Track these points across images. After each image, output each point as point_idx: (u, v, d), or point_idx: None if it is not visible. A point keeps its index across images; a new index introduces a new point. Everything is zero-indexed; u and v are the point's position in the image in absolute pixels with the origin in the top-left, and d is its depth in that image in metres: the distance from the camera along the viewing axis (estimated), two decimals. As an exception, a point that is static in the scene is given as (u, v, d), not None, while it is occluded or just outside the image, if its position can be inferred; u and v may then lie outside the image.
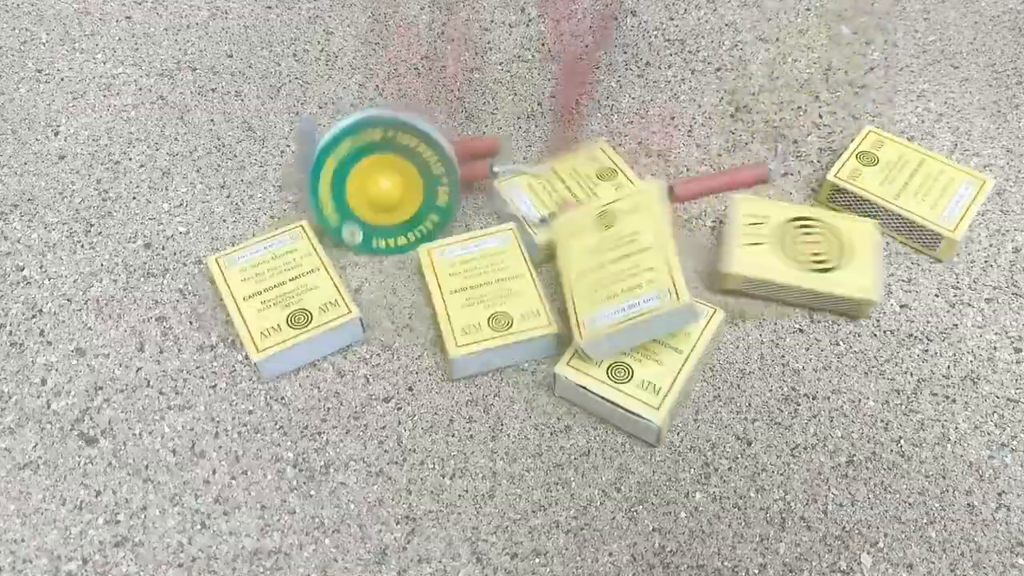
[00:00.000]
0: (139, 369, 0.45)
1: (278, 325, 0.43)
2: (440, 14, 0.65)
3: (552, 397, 0.44)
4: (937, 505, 0.40)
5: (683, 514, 0.39)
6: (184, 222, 0.52)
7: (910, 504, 0.40)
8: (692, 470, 0.41)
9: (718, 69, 0.61)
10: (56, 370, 0.45)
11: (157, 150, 0.56)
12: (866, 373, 0.44)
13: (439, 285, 0.45)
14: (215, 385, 0.44)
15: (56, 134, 0.57)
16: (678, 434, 0.42)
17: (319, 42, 0.64)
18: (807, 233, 0.47)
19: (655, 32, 0.64)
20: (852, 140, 0.54)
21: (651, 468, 0.41)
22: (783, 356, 0.45)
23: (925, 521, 0.39)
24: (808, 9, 0.65)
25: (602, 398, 0.40)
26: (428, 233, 0.49)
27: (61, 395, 0.44)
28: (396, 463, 0.41)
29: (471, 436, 0.42)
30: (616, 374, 0.41)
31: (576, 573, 0.38)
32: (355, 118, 0.46)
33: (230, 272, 0.46)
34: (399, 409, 0.43)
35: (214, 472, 0.41)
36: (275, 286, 0.45)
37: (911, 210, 0.48)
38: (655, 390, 0.40)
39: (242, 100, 0.59)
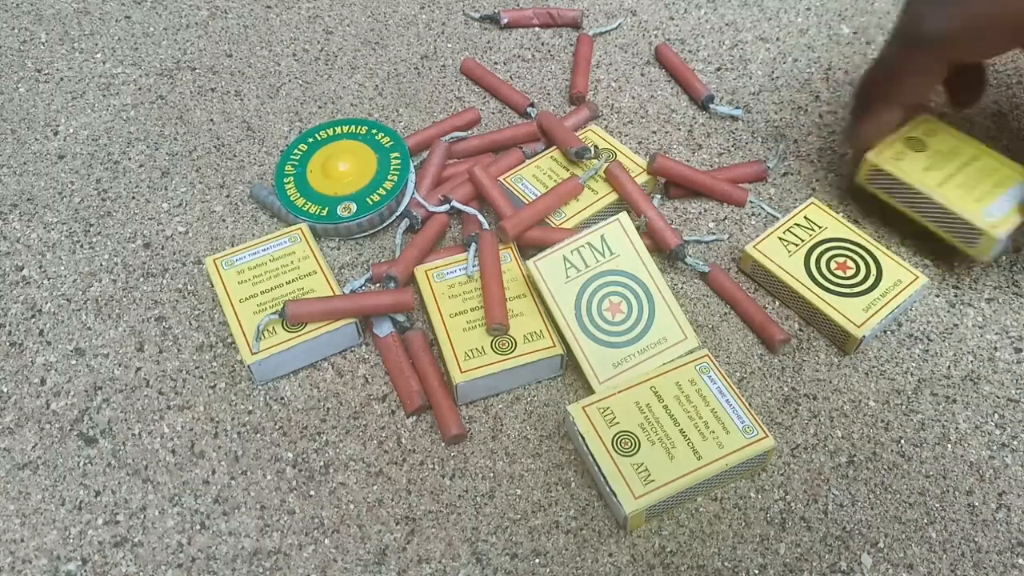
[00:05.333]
0: (138, 369, 0.45)
1: (273, 328, 0.43)
2: (439, 13, 0.65)
3: (552, 397, 0.44)
4: (937, 505, 0.40)
5: (683, 514, 0.39)
6: (184, 222, 0.52)
7: (910, 504, 0.40)
8: (692, 470, 0.41)
9: (718, 68, 0.61)
10: (55, 370, 0.45)
11: (156, 150, 0.56)
12: (867, 373, 0.44)
13: (439, 308, 0.44)
14: (215, 385, 0.44)
15: (55, 134, 0.57)
16: (678, 434, 0.42)
17: (319, 42, 0.63)
18: (842, 255, 0.46)
19: (655, 31, 0.64)
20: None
21: (651, 468, 0.41)
22: (783, 355, 0.45)
23: (925, 521, 0.39)
24: (808, 9, 0.65)
25: (592, 456, 0.39)
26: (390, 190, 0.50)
27: (60, 395, 0.44)
28: (396, 463, 0.41)
29: (471, 436, 0.42)
30: (621, 444, 0.39)
31: (576, 573, 0.38)
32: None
33: (227, 274, 0.46)
34: (399, 409, 0.43)
35: (213, 472, 0.41)
36: (272, 288, 0.45)
37: (953, 201, 0.45)
38: (646, 480, 0.38)
39: (242, 100, 0.59)
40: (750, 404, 0.43)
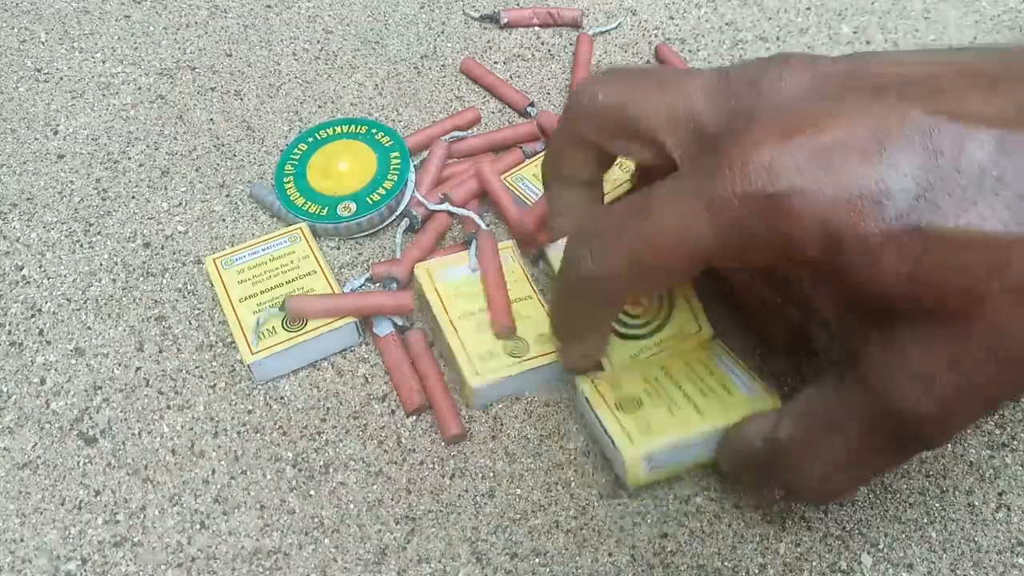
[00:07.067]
0: (138, 369, 0.45)
1: (273, 328, 0.43)
2: (439, 12, 0.65)
3: (552, 397, 0.44)
4: (937, 505, 0.40)
5: (683, 514, 0.39)
6: (183, 221, 0.52)
7: (910, 504, 0.40)
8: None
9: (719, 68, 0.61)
10: (55, 370, 0.45)
11: (156, 149, 0.56)
12: (866, 373, 0.44)
13: (446, 310, 0.44)
14: (214, 385, 0.44)
15: (55, 133, 0.57)
16: (678, 434, 0.42)
17: (319, 41, 0.63)
18: None
19: (655, 31, 0.64)
20: None
21: (651, 468, 0.41)
22: (783, 355, 0.45)
23: (925, 521, 0.39)
24: (808, 8, 0.65)
25: (595, 414, 0.38)
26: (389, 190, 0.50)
27: (60, 395, 0.44)
28: (396, 463, 0.41)
29: (471, 436, 0.42)
30: (625, 404, 0.39)
31: (576, 573, 0.38)
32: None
33: (227, 273, 0.46)
34: (399, 408, 0.43)
35: (213, 472, 0.41)
36: (272, 288, 0.45)
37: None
38: (646, 430, 0.37)
39: (241, 99, 0.59)
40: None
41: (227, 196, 0.53)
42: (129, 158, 0.56)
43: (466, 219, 0.49)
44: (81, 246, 0.51)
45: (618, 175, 0.51)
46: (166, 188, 0.54)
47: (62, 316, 0.47)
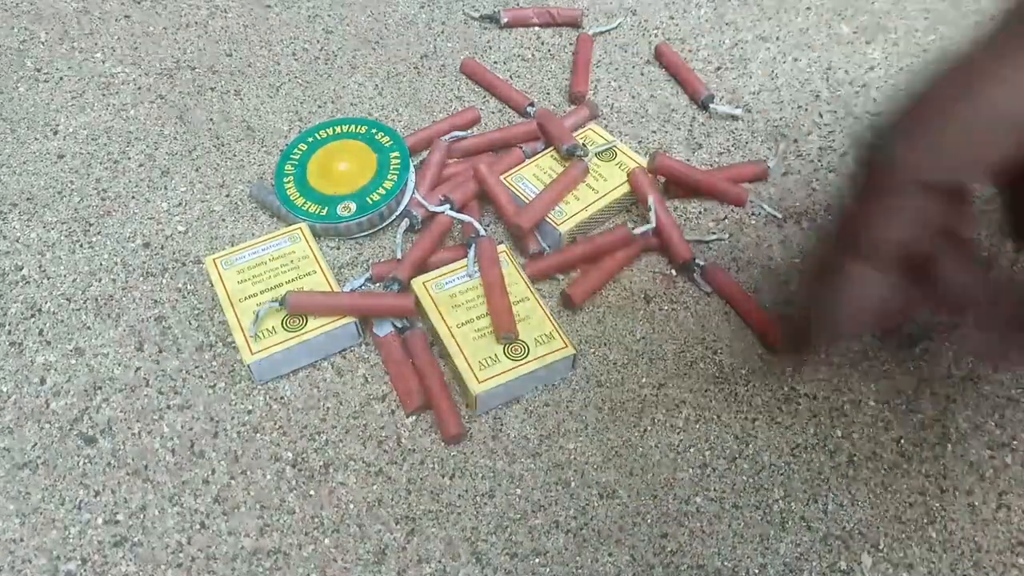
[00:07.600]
0: (138, 369, 0.45)
1: (273, 327, 0.43)
2: (439, 12, 0.65)
3: (552, 397, 0.44)
4: (938, 505, 0.40)
5: (683, 514, 0.39)
6: (183, 221, 0.52)
7: (911, 504, 0.40)
8: (691, 470, 0.41)
9: (718, 68, 0.61)
10: (55, 369, 0.45)
11: (156, 149, 0.56)
12: (866, 373, 0.44)
13: (444, 321, 0.44)
14: (215, 385, 0.44)
15: (55, 133, 0.57)
16: (677, 434, 0.42)
17: (318, 41, 0.63)
18: None
19: (655, 31, 0.64)
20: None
21: (650, 468, 0.41)
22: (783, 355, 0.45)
23: (926, 521, 0.39)
24: (808, 8, 0.65)
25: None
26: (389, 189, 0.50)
27: (60, 395, 0.44)
28: (395, 463, 0.41)
29: (471, 436, 0.42)
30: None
31: (576, 573, 0.38)
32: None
33: (227, 273, 0.46)
34: (399, 408, 0.43)
35: (213, 472, 0.41)
36: (272, 288, 0.45)
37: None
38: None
39: (241, 99, 0.59)
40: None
41: (227, 196, 0.53)
42: (129, 158, 0.56)
43: (466, 224, 0.49)
44: (81, 246, 0.51)
45: (617, 175, 0.51)
46: (166, 188, 0.54)
47: (62, 316, 0.47)
